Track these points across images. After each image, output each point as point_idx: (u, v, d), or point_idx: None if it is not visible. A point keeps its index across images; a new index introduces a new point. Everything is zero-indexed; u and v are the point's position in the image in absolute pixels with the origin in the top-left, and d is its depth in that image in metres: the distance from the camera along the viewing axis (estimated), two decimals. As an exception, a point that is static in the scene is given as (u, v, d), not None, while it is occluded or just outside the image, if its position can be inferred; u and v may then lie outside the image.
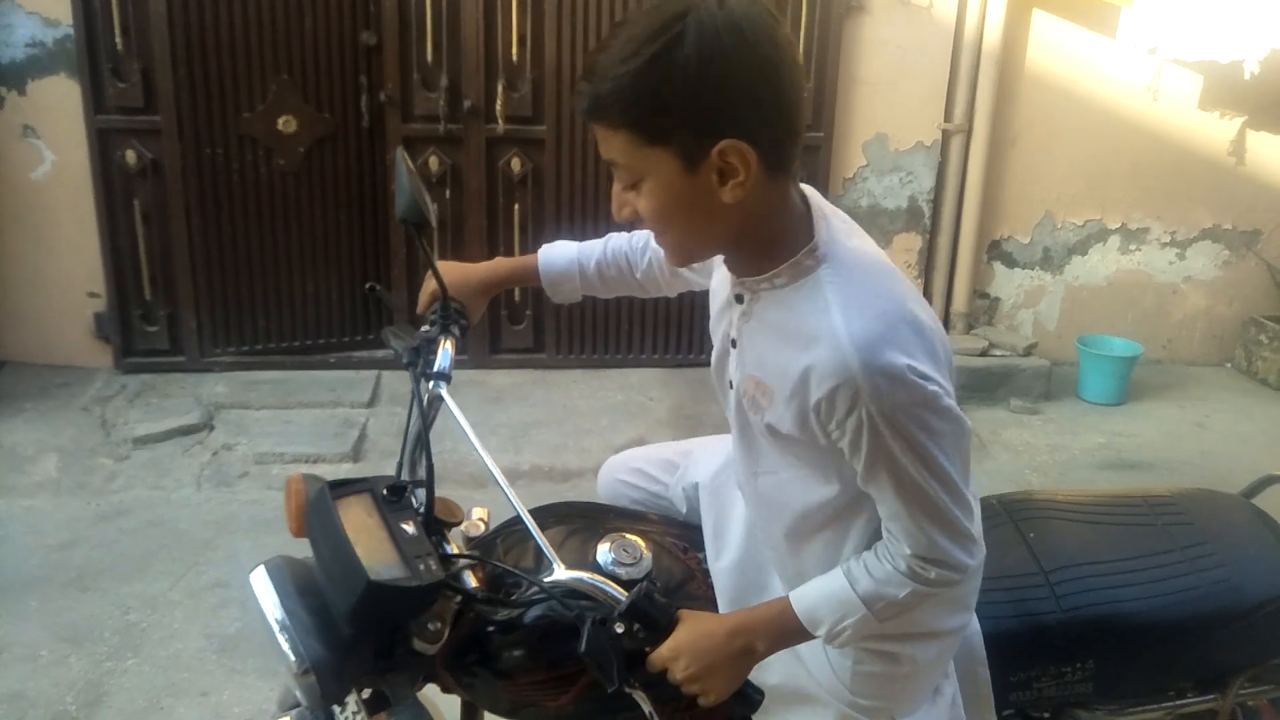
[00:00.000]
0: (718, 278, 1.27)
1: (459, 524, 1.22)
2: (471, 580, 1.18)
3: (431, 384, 1.29)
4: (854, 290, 1.07)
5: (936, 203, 4.28)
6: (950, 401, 1.07)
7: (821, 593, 1.17)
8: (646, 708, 1.15)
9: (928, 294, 4.28)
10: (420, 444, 1.23)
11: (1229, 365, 4.73)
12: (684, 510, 1.52)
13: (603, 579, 1.16)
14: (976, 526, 1.14)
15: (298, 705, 1.15)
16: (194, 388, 3.75)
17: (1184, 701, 1.49)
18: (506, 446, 3.52)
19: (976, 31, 4.04)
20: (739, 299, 1.18)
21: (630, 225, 1.13)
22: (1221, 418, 4.17)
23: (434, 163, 3.87)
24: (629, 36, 0.99)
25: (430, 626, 1.11)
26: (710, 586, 1.36)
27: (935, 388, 1.04)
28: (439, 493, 1.17)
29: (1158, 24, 3.69)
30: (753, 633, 1.16)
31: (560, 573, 1.14)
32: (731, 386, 1.22)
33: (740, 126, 1.00)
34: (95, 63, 3.56)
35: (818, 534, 1.23)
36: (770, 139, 1.03)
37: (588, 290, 1.54)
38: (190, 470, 3.30)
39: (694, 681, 1.12)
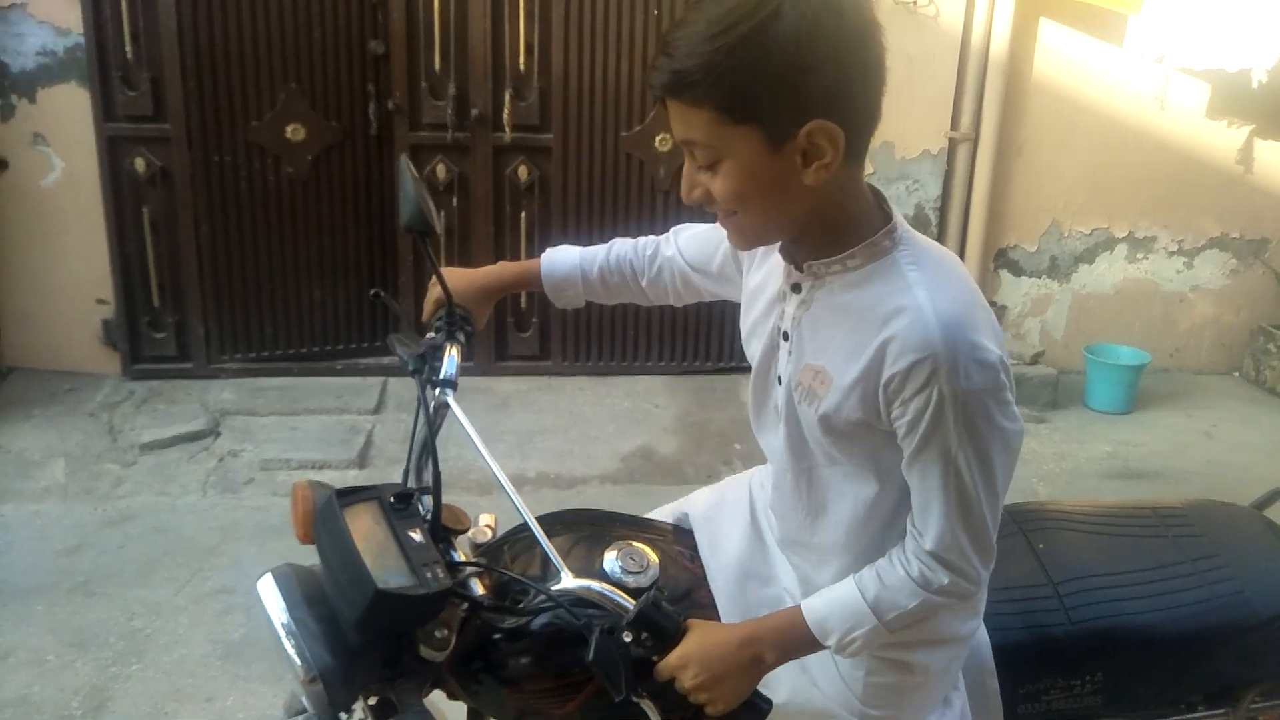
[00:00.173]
0: (759, 276, 1.26)
1: (466, 531, 1.21)
2: (478, 588, 1.18)
3: (437, 391, 1.29)
4: (935, 272, 1.07)
5: (943, 211, 4.28)
6: (1012, 399, 1.07)
7: (831, 602, 1.16)
8: (654, 717, 1.14)
9: (934, 302, 4.26)
10: (426, 451, 1.23)
11: (1237, 374, 4.71)
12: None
13: (610, 587, 1.15)
14: (994, 542, 1.13)
15: (304, 712, 1.15)
16: (201, 394, 3.76)
17: (1194, 715, 1.47)
18: (513, 453, 3.52)
19: (983, 40, 4.04)
20: (795, 289, 1.17)
21: (698, 208, 1.11)
22: (1229, 427, 4.15)
23: (441, 171, 3.88)
24: (721, 11, 0.97)
25: (437, 634, 1.11)
26: (718, 595, 1.35)
27: (1006, 379, 1.05)
28: (446, 500, 1.17)
29: (1165, 33, 3.68)
30: (762, 642, 1.15)
31: (568, 580, 1.14)
32: (780, 382, 1.21)
33: (831, 108, 0.99)
34: (105, 71, 3.58)
35: (862, 533, 1.21)
36: (857, 122, 1.02)
37: (590, 296, 1.54)
38: (196, 476, 3.30)
39: (702, 690, 1.12)
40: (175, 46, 3.54)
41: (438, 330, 1.39)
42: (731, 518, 1.41)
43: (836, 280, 1.12)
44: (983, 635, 1.33)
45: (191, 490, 3.24)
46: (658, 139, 3.95)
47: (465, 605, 1.15)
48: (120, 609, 2.64)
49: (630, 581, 1.23)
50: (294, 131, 3.74)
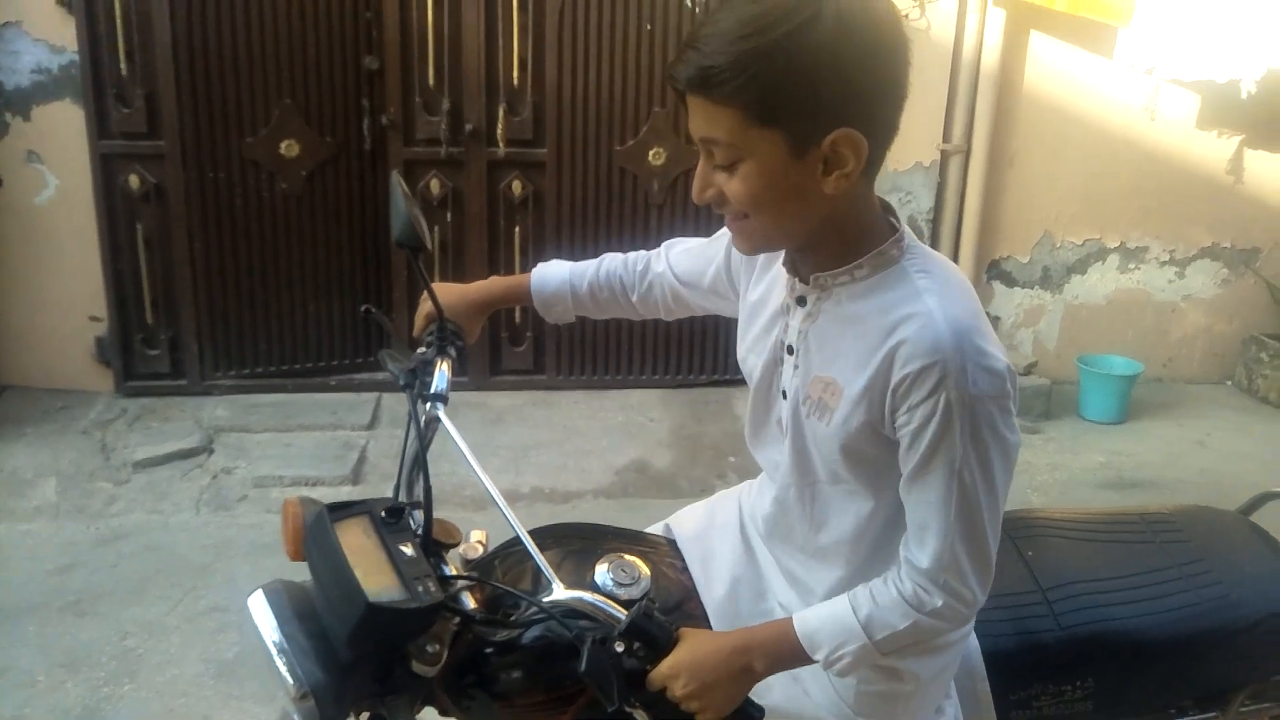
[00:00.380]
0: (759, 291, 1.26)
1: (457, 546, 1.21)
2: (470, 601, 1.18)
3: (429, 405, 1.29)
4: (943, 280, 1.08)
5: (935, 223, 4.30)
6: (1015, 410, 1.08)
7: (824, 617, 1.16)
8: (646, 728, 1.15)
9: (927, 314, 4.28)
10: (418, 465, 1.23)
11: (1229, 383, 4.73)
12: None
13: (602, 598, 1.15)
14: (994, 560, 1.13)
15: (295, 728, 1.15)
16: (194, 411, 3.75)
17: (1184, 719, 1.48)
18: (507, 468, 3.52)
19: (974, 53, 4.07)
20: (800, 302, 1.16)
21: (694, 220, 1.11)
22: (1222, 436, 4.16)
23: (435, 186, 3.89)
24: (756, 11, 0.96)
25: (429, 648, 1.11)
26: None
27: (1011, 388, 1.06)
28: (438, 515, 1.17)
29: (1155, 44, 3.71)
30: (753, 652, 1.15)
31: (559, 592, 1.14)
32: (785, 396, 1.20)
33: (858, 117, 0.99)
34: (100, 88, 3.59)
35: (859, 545, 1.21)
36: (880, 134, 1.03)
37: (580, 311, 1.54)
38: (189, 494, 3.29)
39: (693, 699, 1.12)
40: (170, 63, 3.55)
41: (429, 345, 1.39)
42: (721, 537, 1.41)
43: (843, 291, 1.12)
44: (974, 642, 1.33)
45: (185, 508, 3.23)
46: (651, 153, 3.96)
47: (457, 619, 1.15)
48: (113, 628, 2.63)
49: (622, 593, 1.23)
50: (288, 147, 3.75)
